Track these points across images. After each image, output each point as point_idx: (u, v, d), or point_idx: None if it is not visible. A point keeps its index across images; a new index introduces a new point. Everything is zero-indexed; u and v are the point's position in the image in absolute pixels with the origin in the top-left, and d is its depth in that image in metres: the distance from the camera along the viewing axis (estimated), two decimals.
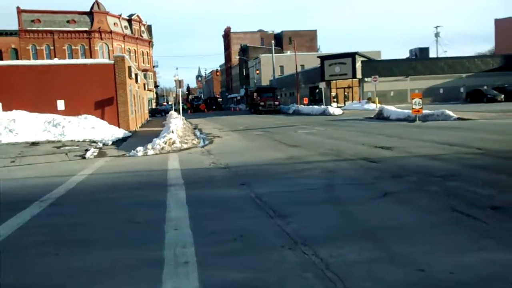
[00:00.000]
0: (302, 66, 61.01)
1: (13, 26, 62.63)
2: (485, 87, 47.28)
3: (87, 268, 4.21)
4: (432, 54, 69.20)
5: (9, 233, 5.54)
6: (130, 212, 6.34)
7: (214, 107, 79.41)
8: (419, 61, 54.54)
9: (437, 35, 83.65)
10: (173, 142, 15.41)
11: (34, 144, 17.88)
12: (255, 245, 4.61)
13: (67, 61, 30.99)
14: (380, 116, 26.35)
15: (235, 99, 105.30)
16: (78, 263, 4.34)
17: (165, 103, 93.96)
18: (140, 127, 30.02)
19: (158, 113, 61.94)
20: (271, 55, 66.62)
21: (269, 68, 70.73)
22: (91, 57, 60.60)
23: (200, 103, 77.04)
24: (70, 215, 6.44)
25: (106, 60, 26.56)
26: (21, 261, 4.52)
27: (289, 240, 4.70)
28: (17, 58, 57.81)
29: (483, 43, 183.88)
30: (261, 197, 6.78)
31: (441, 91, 50.50)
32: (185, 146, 15.58)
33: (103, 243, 4.99)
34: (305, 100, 49.49)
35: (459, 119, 21.46)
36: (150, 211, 6.38)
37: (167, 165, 11.26)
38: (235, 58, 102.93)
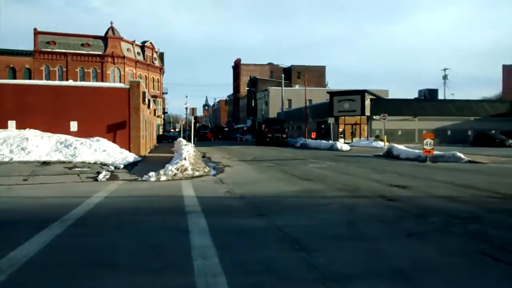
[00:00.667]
0: (310, 100, 61.42)
1: (29, 46, 63.80)
2: (493, 131, 47.38)
3: None
4: (440, 96, 69.65)
5: (35, 251, 5.51)
6: (154, 237, 6.30)
7: (220, 136, 79.64)
8: (428, 102, 54.89)
9: (445, 77, 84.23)
10: (185, 169, 15.41)
11: (45, 163, 17.91)
12: (286, 278, 4.56)
13: (82, 83, 31.33)
14: (390, 155, 26.31)
15: (241, 129, 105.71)
16: (109, 287, 4.28)
17: (172, 130, 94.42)
18: (149, 152, 30.08)
19: (165, 139, 62.12)
20: (280, 88, 67.22)
21: (277, 100, 71.30)
22: (102, 81, 61.28)
23: (207, 131, 77.38)
24: (94, 237, 6.40)
25: (121, 85, 26.85)
26: (53, 280, 4.47)
27: (319, 275, 4.64)
28: (30, 78, 58.59)
29: (490, 87, 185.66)
30: (283, 229, 6.73)
31: (449, 132, 50.59)
32: (197, 173, 15.56)
33: (132, 267, 4.95)
34: (313, 135, 49.61)
35: (469, 161, 21.41)
36: (174, 237, 6.34)
37: (182, 191, 11.23)
38: (244, 89, 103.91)
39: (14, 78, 57.20)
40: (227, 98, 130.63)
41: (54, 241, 6.08)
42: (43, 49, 63.32)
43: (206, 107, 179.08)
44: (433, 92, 63.01)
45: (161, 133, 70.90)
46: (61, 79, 60.15)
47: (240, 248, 5.78)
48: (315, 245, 5.84)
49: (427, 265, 5.05)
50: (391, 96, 71.89)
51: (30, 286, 4.36)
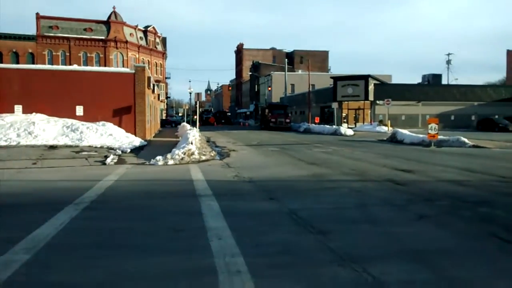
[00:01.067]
0: (313, 85, 61.30)
1: (32, 31, 63.55)
2: (496, 116, 47.36)
3: (144, 273, 4.26)
4: (443, 81, 69.38)
5: (54, 233, 5.62)
6: (169, 220, 6.41)
7: (223, 121, 79.76)
8: (432, 87, 54.77)
9: (448, 62, 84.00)
10: (192, 153, 15.50)
11: (52, 147, 18.04)
12: (304, 259, 4.66)
13: (88, 68, 31.34)
14: (394, 139, 26.36)
15: (244, 114, 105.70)
16: (132, 268, 4.40)
17: (175, 114, 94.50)
18: (153, 137, 30.20)
19: (169, 124, 62.25)
20: (283, 73, 67.05)
21: (280, 85, 71.14)
22: (105, 65, 61.18)
23: (210, 116, 77.44)
24: (109, 220, 6.51)
25: (126, 69, 26.84)
26: (72, 262, 4.58)
27: (336, 256, 4.74)
28: (33, 62, 58.52)
29: (494, 72, 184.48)
30: (296, 213, 6.82)
31: (452, 117, 50.55)
32: (203, 158, 15.66)
33: (150, 248, 5.05)
34: (317, 119, 49.65)
35: (474, 146, 21.47)
36: (188, 219, 6.45)
37: (191, 175, 11.33)
38: (247, 74, 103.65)
39: (17, 62, 57.18)
40: (230, 83, 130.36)
41: (70, 223, 6.18)
42: (46, 34, 63.11)
43: (209, 92, 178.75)
44: (436, 77, 62.77)
45: (164, 117, 71.01)
46: (64, 63, 60.08)
47: (255, 230, 5.88)
48: (329, 227, 5.94)
49: (439, 246, 5.15)
50: (394, 81, 71.72)
51: (54, 266, 4.46)
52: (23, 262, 4.50)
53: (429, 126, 21.99)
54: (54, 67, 27.28)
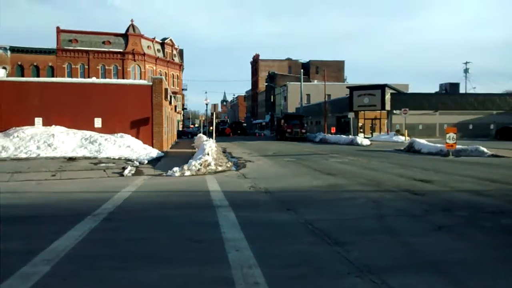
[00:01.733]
0: (329, 95, 61.20)
1: (52, 44, 64.77)
2: None
3: (161, 284, 4.30)
4: (461, 90, 68.69)
5: (73, 245, 5.69)
6: (187, 231, 6.45)
7: (239, 131, 79.93)
8: (449, 96, 54.22)
9: (466, 71, 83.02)
10: (209, 164, 15.59)
11: (71, 159, 18.28)
12: (321, 271, 4.65)
13: (106, 80, 31.85)
14: (411, 149, 26.12)
15: (259, 125, 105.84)
16: (150, 279, 4.44)
17: (192, 126, 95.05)
18: (170, 148, 30.41)
19: (185, 135, 62.61)
20: (298, 83, 67.10)
21: (295, 96, 71.21)
22: (123, 78, 61.93)
23: (226, 127, 77.66)
24: (128, 231, 6.57)
25: (144, 82, 27.17)
26: (93, 274, 4.63)
27: (354, 268, 4.72)
28: (53, 76, 59.58)
29: None
30: (312, 223, 6.81)
31: (471, 127, 49.94)
32: (219, 168, 15.72)
33: (169, 259, 5.09)
34: (333, 129, 49.47)
35: (493, 156, 21.16)
36: (206, 230, 6.49)
37: (207, 186, 11.38)
38: (262, 85, 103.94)
39: (38, 76, 58.25)
40: (245, 94, 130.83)
41: (89, 235, 6.26)
42: (65, 47, 64.27)
43: (225, 103, 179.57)
44: (454, 86, 62.11)
45: (180, 129, 71.47)
46: (83, 76, 61.09)
47: (272, 241, 5.88)
48: (347, 238, 5.91)
49: (459, 258, 5.09)
50: (411, 90, 71.26)
51: (73, 277, 4.52)
52: (43, 274, 4.56)
53: (447, 135, 21.76)
54: (73, 80, 27.72)
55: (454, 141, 21.56)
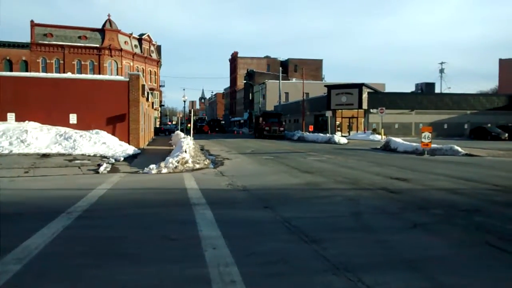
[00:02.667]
0: (307, 94, 61.48)
1: (26, 38, 63.38)
2: (489, 125, 47.67)
3: (137, 282, 4.23)
4: (437, 89, 69.83)
5: (46, 243, 5.56)
6: (163, 229, 6.37)
7: (217, 129, 79.69)
8: (425, 96, 55.07)
9: (441, 71, 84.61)
10: (186, 162, 15.46)
11: (45, 156, 17.92)
12: (298, 268, 4.64)
13: (82, 76, 31.23)
14: (387, 148, 26.43)
15: (238, 123, 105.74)
16: (126, 277, 4.36)
17: (169, 123, 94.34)
18: (147, 145, 30.10)
19: (162, 132, 62.09)
20: (277, 81, 67.32)
21: (274, 94, 71.36)
22: (99, 73, 60.97)
23: (204, 124, 77.33)
24: (102, 229, 6.45)
25: (121, 77, 26.78)
26: (67, 272, 4.52)
27: (330, 265, 4.72)
28: (27, 70, 58.25)
29: (487, 81, 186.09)
30: (290, 221, 6.80)
31: (446, 126, 50.85)
32: (197, 166, 15.61)
33: (145, 257, 5.00)
34: (311, 128, 49.72)
35: (467, 155, 21.57)
36: (182, 228, 6.42)
37: (185, 184, 11.29)
38: (241, 82, 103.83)
39: (11, 70, 56.95)
40: (224, 91, 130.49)
41: (63, 233, 6.12)
42: (40, 42, 62.92)
43: (203, 100, 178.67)
44: (430, 86, 63.19)
45: (158, 126, 70.85)
46: (58, 71, 59.88)
47: (249, 239, 5.85)
48: (324, 236, 5.92)
49: (434, 255, 5.15)
50: (388, 89, 72.07)
51: (46, 276, 4.41)
52: (14, 273, 4.44)
53: (423, 134, 22.08)
54: (48, 75, 27.12)
55: (430, 140, 21.89)
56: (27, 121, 21.29)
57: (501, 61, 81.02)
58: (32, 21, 63.45)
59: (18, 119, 21.54)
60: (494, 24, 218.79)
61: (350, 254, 5.16)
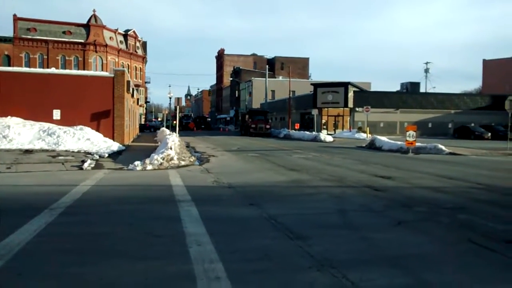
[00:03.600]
0: (293, 92, 61.58)
1: (8, 33, 62.41)
2: (472, 124, 48.28)
3: (121, 279, 4.19)
4: (421, 89, 70.48)
5: (28, 239, 5.48)
6: (147, 225, 6.32)
7: (203, 126, 79.52)
8: (410, 95, 55.53)
9: (426, 71, 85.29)
10: (171, 159, 15.38)
11: (28, 151, 17.67)
12: (283, 265, 4.64)
13: (66, 71, 30.87)
14: (372, 146, 26.61)
15: (224, 120, 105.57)
16: (110, 273, 4.33)
17: (154, 119, 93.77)
18: (132, 142, 29.88)
19: (148, 128, 61.74)
20: (263, 79, 67.30)
21: (260, 91, 71.34)
22: (84, 69, 60.37)
23: (190, 121, 77.02)
24: (86, 225, 6.38)
25: (106, 73, 26.51)
26: (50, 269, 4.46)
27: (315, 262, 4.73)
28: (9, 65, 57.33)
29: (470, 81, 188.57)
30: (275, 218, 6.81)
31: (430, 125, 51.34)
32: (182, 163, 15.54)
33: (129, 254, 4.96)
34: (297, 126, 49.85)
35: (450, 153, 21.83)
36: (167, 225, 6.38)
37: (170, 181, 11.23)
38: (227, 80, 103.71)
39: None
40: (210, 88, 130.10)
41: (45, 229, 6.04)
42: (23, 36, 62.03)
43: (189, 97, 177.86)
44: (415, 85, 63.67)
45: (143, 122, 70.41)
46: (41, 66, 59.07)
47: (234, 236, 5.84)
48: (309, 233, 5.93)
49: (418, 252, 5.19)
50: (373, 88, 72.53)
51: (28, 273, 4.34)
52: None
53: (407, 133, 22.28)
54: (32, 70, 26.62)
55: (414, 139, 22.10)
56: (9, 117, 20.96)
57: (485, 62, 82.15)
58: (15, 15, 62.51)
59: (0, 114, 21.17)
60: (479, 25, 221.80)
61: (335, 250, 5.18)
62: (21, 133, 19.33)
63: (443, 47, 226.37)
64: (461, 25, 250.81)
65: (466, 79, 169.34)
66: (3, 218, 6.74)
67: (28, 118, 21.05)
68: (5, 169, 13.32)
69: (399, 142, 24.73)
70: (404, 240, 5.74)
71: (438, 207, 7.99)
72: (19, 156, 16.40)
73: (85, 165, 14.42)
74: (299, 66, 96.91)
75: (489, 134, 44.05)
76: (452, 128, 50.32)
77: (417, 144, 22.69)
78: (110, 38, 69.68)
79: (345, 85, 50.44)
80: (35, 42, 62.47)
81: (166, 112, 61.40)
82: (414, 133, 22.20)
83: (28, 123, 20.48)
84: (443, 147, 22.43)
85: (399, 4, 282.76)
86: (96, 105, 22.58)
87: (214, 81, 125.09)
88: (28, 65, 59.87)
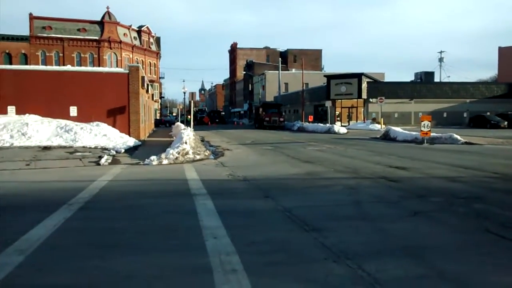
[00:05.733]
0: (307, 84, 61.36)
1: (25, 32, 63.18)
2: (488, 113, 47.64)
3: (139, 272, 4.27)
4: (436, 78, 69.72)
5: (48, 234, 5.60)
6: (164, 219, 6.42)
7: (217, 120, 79.75)
8: (424, 85, 54.99)
9: (441, 60, 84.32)
10: (187, 153, 15.49)
11: (46, 148, 17.97)
12: (299, 257, 4.68)
13: (82, 68, 31.22)
14: (387, 137, 26.48)
15: (238, 114, 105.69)
16: (127, 267, 4.40)
17: (169, 114, 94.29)
18: (147, 137, 30.15)
19: (163, 124, 62.14)
20: (276, 71, 67.19)
21: (273, 84, 71.23)
22: (99, 66, 60.87)
23: (204, 116, 77.31)
24: (104, 220, 6.50)
25: (120, 69, 26.76)
26: (69, 263, 4.56)
27: (331, 253, 4.76)
28: (26, 63, 58.18)
29: (485, 70, 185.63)
30: (290, 210, 6.84)
31: (445, 115, 50.82)
32: (198, 157, 15.64)
33: (146, 247, 5.05)
34: (311, 118, 49.72)
35: (466, 143, 21.61)
36: (184, 218, 6.47)
37: (185, 175, 11.33)
38: (240, 73, 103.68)
39: (10, 63, 56.89)
40: (224, 82, 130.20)
41: (64, 224, 6.16)
42: (39, 34, 62.79)
43: (203, 91, 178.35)
44: (429, 75, 63.02)
45: (158, 117, 70.86)
46: (57, 64, 59.78)
47: (250, 228, 5.90)
48: (324, 225, 5.96)
49: (434, 243, 5.19)
50: (387, 79, 72.03)
51: (48, 267, 4.44)
52: (16, 264, 4.46)
53: (422, 123, 22.11)
54: (48, 67, 27.07)
55: (429, 129, 21.92)
56: (27, 114, 21.31)
57: (501, 50, 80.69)
58: (31, 14, 63.31)
59: (19, 112, 21.57)
60: (493, 13, 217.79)
61: (350, 242, 5.20)
62: (39, 130, 19.65)
63: (458, 36, 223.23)
64: (475, 13, 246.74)
65: (481, 68, 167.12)
66: (23, 213, 6.90)
67: (46, 115, 21.38)
68: (24, 165, 13.56)
69: (413, 133, 24.55)
70: (420, 231, 5.73)
71: (454, 197, 7.94)
72: (37, 153, 16.68)
73: (102, 160, 14.61)
74: (312, 58, 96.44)
75: (506, 122, 43.40)
76: (467, 118, 49.74)
77: (432, 134, 22.51)
78: (124, 34, 70.11)
79: (358, 76, 50.11)
80: (50, 40, 63.20)
81: (181, 107, 61.71)
82: (429, 123, 22.02)
83: (45, 120, 20.80)
84: (458, 137, 22.21)
85: None
86: (111, 101, 22.83)
87: (227, 75, 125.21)
88: (44, 63, 60.66)
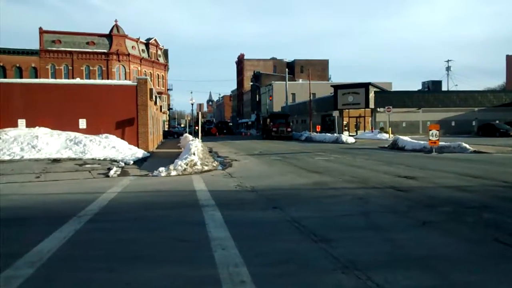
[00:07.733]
0: (314, 94, 61.46)
1: (35, 46, 64.06)
2: (497, 122, 47.37)
3: (148, 284, 4.29)
4: (443, 87, 69.51)
5: (58, 246, 5.64)
6: (174, 230, 6.44)
7: (225, 131, 79.90)
8: (432, 94, 54.86)
9: (448, 69, 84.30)
10: (195, 164, 15.55)
11: (56, 160, 18.11)
12: (307, 268, 4.68)
13: (90, 81, 31.56)
14: (395, 146, 26.36)
15: (245, 124, 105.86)
16: (138, 279, 4.42)
17: (177, 126, 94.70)
18: (156, 148, 30.28)
19: (171, 135, 62.35)
20: (283, 82, 67.36)
21: (281, 95, 71.38)
22: (108, 78, 61.47)
23: (212, 127, 77.55)
24: (113, 232, 6.54)
25: (129, 82, 27.01)
26: (79, 275, 4.59)
27: (340, 264, 4.76)
28: (36, 77, 58.89)
29: (493, 78, 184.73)
30: (299, 221, 6.84)
31: (453, 123, 50.61)
32: (206, 168, 15.69)
33: (156, 259, 5.07)
34: (318, 128, 49.72)
35: (475, 152, 21.48)
36: (192, 230, 6.49)
37: (194, 186, 11.36)
38: (248, 84, 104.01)
39: (21, 77, 57.57)
40: (231, 94, 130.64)
41: (74, 236, 6.20)
42: (48, 48, 63.60)
43: (210, 103, 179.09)
44: (436, 84, 62.90)
45: (166, 129, 71.15)
46: (67, 77, 60.45)
47: (258, 239, 5.90)
48: (332, 235, 5.96)
49: (443, 253, 5.16)
50: (394, 88, 71.89)
51: (58, 279, 4.48)
52: (26, 277, 4.49)
53: (430, 132, 22.03)
54: (57, 81, 27.39)
55: (437, 138, 21.83)
56: (37, 127, 21.52)
57: (508, 57, 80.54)
58: (40, 28, 64.18)
59: (29, 125, 21.79)
60: (500, 20, 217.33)
61: (359, 252, 5.19)
62: (49, 142, 19.82)
63: (465, 44, 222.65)
64: (482, 22, 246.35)
65: (489, 76, 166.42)
66: (33, 226, 6.96)
67: (55, 128, 21.58)
68: (34, 178, 13.67)
69: (422, 142, 24.45)
70: (429, 241, 5.71)
71: (463, 206, 7.91)
72: (47, 165, 16.81)
73: (111, 172, 14.70)
74: (319, 68, 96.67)
75: None
76: (476, 126, 49.47)
77: (441, 143, 22.42)
78: (132, 47, 70.78)
79: (365, 85, 50.12)
80: (60, 54, 63.99)
81: (189, 118, 61.95)
82: (437, 132, 21.93)
83: (55, 133, 20.99)
84: (467, 146, 22.08)
85: (416, 2, 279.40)
86: (120, 113, 23.01)
87: (234, 86, 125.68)
88: (54, 76, 61.35)
